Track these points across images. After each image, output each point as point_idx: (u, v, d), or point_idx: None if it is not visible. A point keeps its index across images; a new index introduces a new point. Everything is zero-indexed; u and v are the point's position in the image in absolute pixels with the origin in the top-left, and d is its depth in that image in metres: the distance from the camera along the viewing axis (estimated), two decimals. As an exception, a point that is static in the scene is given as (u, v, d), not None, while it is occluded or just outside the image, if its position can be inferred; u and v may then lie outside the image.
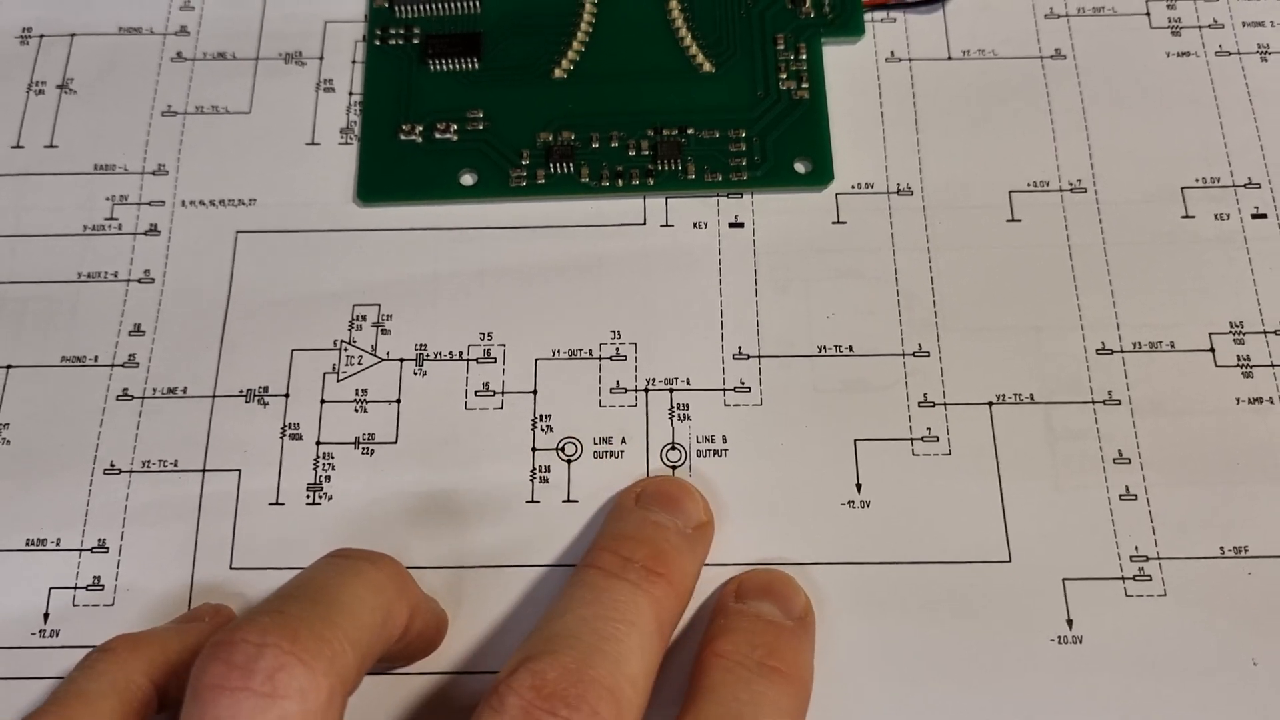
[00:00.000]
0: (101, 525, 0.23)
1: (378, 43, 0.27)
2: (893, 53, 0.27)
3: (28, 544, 0.23)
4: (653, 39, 0.27)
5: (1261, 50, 0.27)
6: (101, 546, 0.23)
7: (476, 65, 0.27)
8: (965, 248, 0.25)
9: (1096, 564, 0.22)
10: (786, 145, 0.26)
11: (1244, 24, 0.27)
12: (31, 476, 0.24)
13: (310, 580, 0.19)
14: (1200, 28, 0.27)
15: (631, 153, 0.26)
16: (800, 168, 0.26)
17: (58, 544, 0.23)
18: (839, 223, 0.26)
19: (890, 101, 0.27)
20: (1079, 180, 0.26)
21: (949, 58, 0.27)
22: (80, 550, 0.23)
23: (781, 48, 0.27)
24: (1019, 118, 0.26)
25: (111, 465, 0.24)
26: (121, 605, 0.23)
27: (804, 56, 0.27)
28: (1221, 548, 0.23)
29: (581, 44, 0.27)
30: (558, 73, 0.27)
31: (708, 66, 0.27)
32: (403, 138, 0.26)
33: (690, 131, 0.26)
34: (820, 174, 0.26)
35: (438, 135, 0.26)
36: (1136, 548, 0.23)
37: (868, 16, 0.27)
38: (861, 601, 0.22)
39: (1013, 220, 0.26)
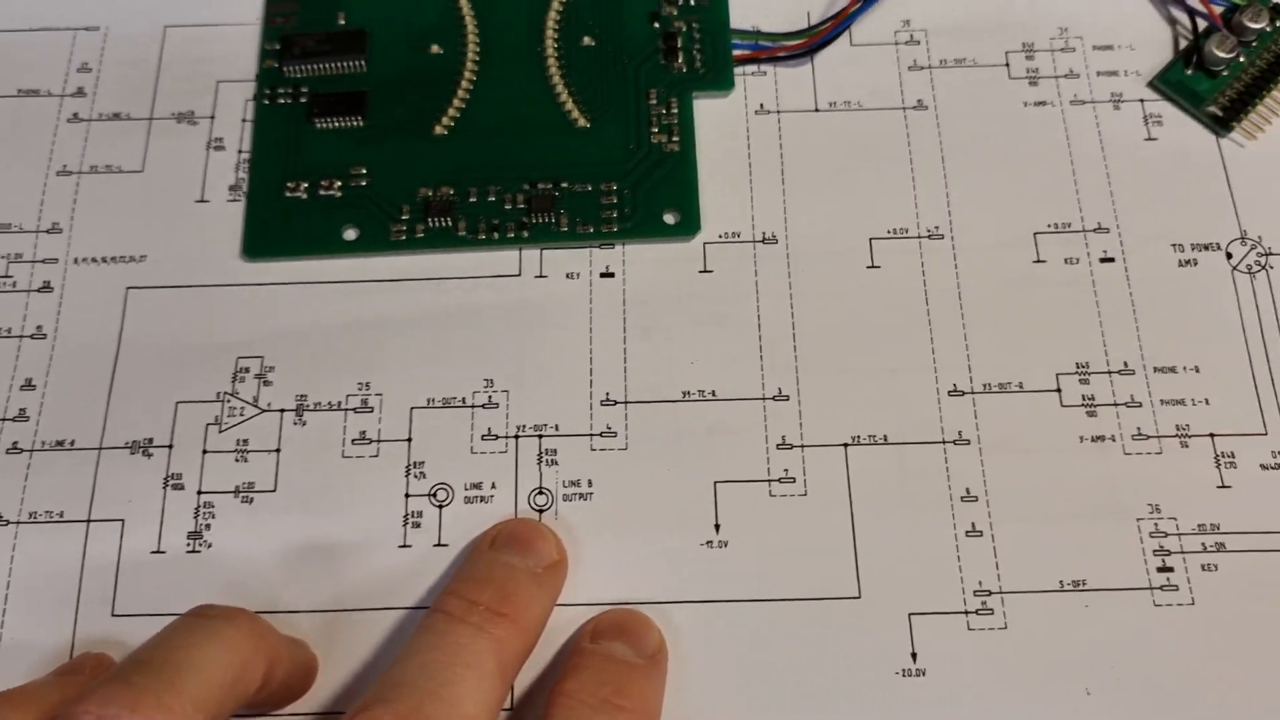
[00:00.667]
0: (-12, 575, 0.24)
1: (266, 101, 0.28)
2: (762, 105, 0.29)
3: (-85, 595, 0.24)
4: (531, 95, 0.28)
5: (1115, 99, 0.28)
6: (-13, 596, 0.24)
7: (361, 123, 0.28)
8: (826, 294, 0.27)
9: (941, 599, 0.24)
10: (656, 197, 0.27)
11: (1098, 73, 0.29)
12: (-80, 529, 0.25)
13: (161, 644, 0.20)
14: (1057, 78, 0.29)
15: (507, 206, 0.27)
16: (669, 219, 0.27)
17: (-55, 595, 0.24)
18: (706, 271, 0.27)
19: (758, 152, 0.28)
20: (937, 227, 0.27)
21: (816, 109, 0.28)
22: (-33, 600, 0.24)
23: (654, 102, 0.28)
24: (881, 167, 0.28)
25: (0, 517, 0.25)
26: (4, 656, 0.24)
27: (675, 110, 0.28)
28: (1061, 582, 0.24)
29: (462, 101, 0.28)
30: (438, 129, 0.28)
31: (583, 121, 0.28)
32: (288, 194, 0.27)
33: (564, 185, 0.27)
34: (688, 224, 0.27)
35: (322, 192, 0.27)
36: (980, 582, 0.24)
37: (738, 70, 0.29)
38: (718, 639, 0.23)
39: (873, 266, 0.27)
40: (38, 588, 0.24)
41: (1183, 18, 0.29)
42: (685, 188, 0.27)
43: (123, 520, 0.25)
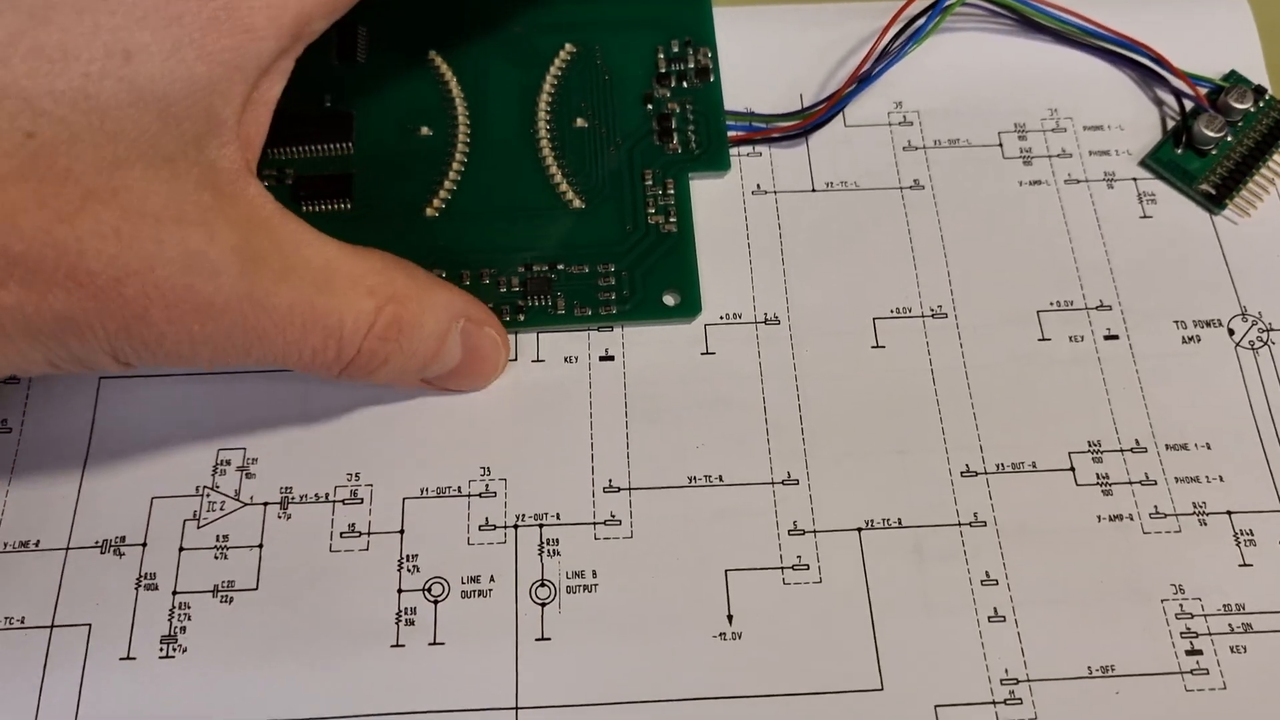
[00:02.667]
0: (-59, 688, 0.23)
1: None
2: (759, 185, 0.29)
3: None
4: (523, 176, 0.28)
5: (1108, 177, 0.29)
6: (-60, 711, 0.23)
7: (349, 206, 0.28)
8: (832, 375, 0.27)
9: (968, 689, 0.23)
10: (655, 278, 0.27)
11: (1090, 152, 0.30)
12: None
13: None
14: (1050, 157, 0.30)
15: (503, 289, 0.27)
16: (669, 300, 0.27)
17: (-108, 710, 0.23)
18: (708, 353, 0.27)
19: (756, 232, 0.28)
20: (940, 306, 0.28)
21: (813, 189, 0.29)
22: (-83, 716, 0.23)
23: (650, 183, 0.28)
24: (881, 246, 0.28)
25: (-46, 624, 0.24)
26: (-42, 774, 0.22)
27: (672, 191, 0.28)
28: (1089, 667, 0.24)
29: (454, 183, 0.28)
30: (430, 211, 0.28)
31: (577, 202, 0.28)
32: None
33: (560, 267, 0.27)
34: (689, 306, 0.27)
35: None
36: (1006, 670, 0.24)
37: (734, 150, 0.29)
38: (735, 737, 0.23)
39: (877, 346, 0.27)
40: (-4, 698, 0.23)
41: (1169, 99, 0.30)
42: (685, 268, 0.27)
43: (90, 624, 0.24)
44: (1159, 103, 0.30)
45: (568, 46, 0.30)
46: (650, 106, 0.29)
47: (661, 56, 0.30)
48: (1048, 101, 0.30)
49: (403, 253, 0.25)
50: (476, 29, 0.30)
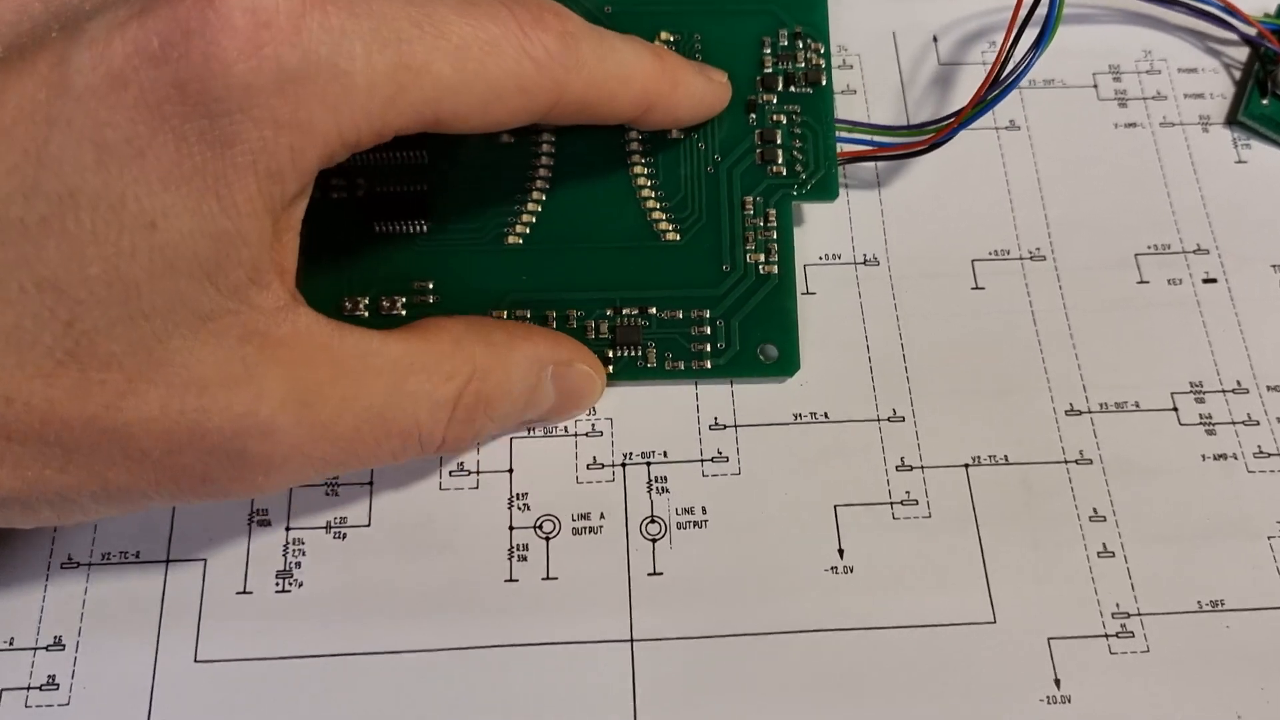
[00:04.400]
0: (58, 622, 0.24)
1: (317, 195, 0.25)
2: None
3: (-21, 645, 0.23)
4: (613, 200, 0.27)
5: (1203, 121, 0.30)
6: (58, 644, 0.24)
7: (425, 229, 0.26)
8: (933, 315, 0.27)
9: (1079, 623, 0.24)
10: (752, 328, 0.26)
11: (1185, 95, 0.30)
12: (-17, 573, 0.24)
13: None
14: (1145, 99, 0.30)
15: (590, 335, 0.26)
16: (765, 355, 0.26)
17: (10, 644, 0.24)
18: (809, 293, 0.27)
19: (853, 170, 0.29)
20: (1038, 248, 0.28)
21: (908, 125, 0.29)
22: (35, 649, 0.23)
23: (750, 212, 0.27)
24: (978, 188, 0.29)
25: (69, 559, 0.24)
26: (77, 705, 0.23)
27: (773, 224, 0.27)
28: (1199, 602, 0.24)
29: (537, 203, 0.27)
30: (512, 239, 0.26)
31: (671, 233, 0.26)
32: (345, 314, 0.26)
33: (652, 311, 0.26)
34: (786, 363, 0.26)
35: (383, 313, 0.26)
36: (1118, 604, 0.24)
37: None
38: (848, 669, 0.24)
39: (977, 288, 0.28)
40: (112, 632, 0.24)
41: (1238, 50, 0.31)
42: (784, 319, 0.26)
43: (205, 560, 0.24)
44: (1219, 54, 0.31)
45: (663, 34, 0.28)
46: (753, 116, 0.27)
47: (768, 52, 0.28)
48: (1142, 44, 0.31)
49: (483, 284, 0.25)
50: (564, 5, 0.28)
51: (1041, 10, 0.27)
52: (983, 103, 0.27)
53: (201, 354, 0.19)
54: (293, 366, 0.20)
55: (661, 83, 0.24)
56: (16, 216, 0.18)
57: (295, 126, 0.19)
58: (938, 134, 0.27)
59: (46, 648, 0.23)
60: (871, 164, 0.29)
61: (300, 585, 0.24)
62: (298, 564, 0.24)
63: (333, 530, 0.25)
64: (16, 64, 0.18)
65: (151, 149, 0.18)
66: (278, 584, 0.24)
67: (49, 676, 0.23)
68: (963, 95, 0.29)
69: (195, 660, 0.23)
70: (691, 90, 0.25)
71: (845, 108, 0.30)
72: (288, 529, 0.25)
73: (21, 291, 0.18)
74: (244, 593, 0.24)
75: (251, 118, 0.18)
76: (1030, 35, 0.27)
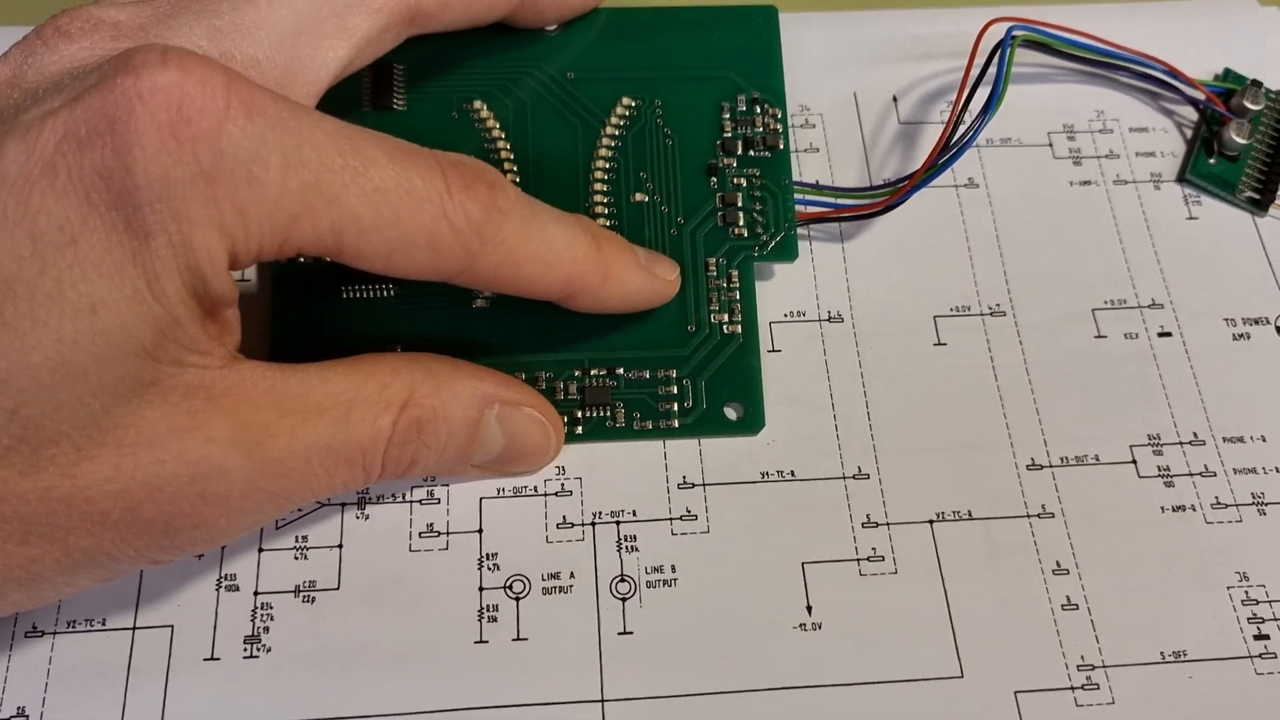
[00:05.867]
0: (21, 692, 0.23)
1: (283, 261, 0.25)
2: (818, 181, 0.30)
3: (-60, 716, 0.23)
4: None
5: (1155, 179, 0.31)
6: (21, 715, 0.23)
7: (393, 292, 0.27)
8: (896, 372, 0.28)
9: (1046, 675, 0.24)
10: (717, 388, 0.27)
11: (1137, 154, 0.31)
12: (-55, 643, 0.24)
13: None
14: (1099, 158, 0.31)
15: (560, 396, 0.26)
16: (731, 414, 0.27)
17: (-28, 715, 0.23)
18: (774, 350, 0.28)
19: (817, 229, 0.29)
20: (998, 304, 0.29)
21: (870, 186, 0.30)
22: (-2, 720, 0.23)
23: (713, 273, 0.27)
24: (939, 245, 0.29)
25: (34, 628, 0.24)
26: (43, 778, 0.23)
27: (736, 284, 0.27)
28: (1162, 653, 0.25)
29: None
30: (479, 301, 0.27)
31: None
32: None
33: (620, 371, 0.26)
34: (751, 421, 0.27)
35: None
36: (1083, 657, 0.25)
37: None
38: (820, 727, 0.24)
39: (939, 344, 0.28)
40: (77, 701, 0.23)
41: (1183, 109, 0.32)
42: (748, 378, 0.27)
43: (172, 626, 0.24)
44: (1170, 113, 0.32)
45: (625, 100, 0.29)
46: (714, 180, 0.28)
47: (727, 117, 0.28)
48: (1094, 103, 0.32)
49: (451, 349, 0.25)
50: (524, 73, 0.29)
51: (993, 71, 0.28)
52: (935, 166, 0.28)
53: (148, 415, 0.20)
54: (238, 411, 0.21)
55: (591, 274, 0.24)
56: None
57: (206, 224, 0.19)
58: (893, 196, 0.28)
59: (10, 718, 0.23)
60: (835, 226, 0.30)
61: (268, 650, 0.24)
62: (265, 628, 0.24)
63: (301, 593, 0.25)
64: None
65: (83, 236, 0.18)
66: (245, 649, 0.24)
67: (12, 748, 0.23)
68: (923, 153, 0.30)
69: (162, 729, 0.23)
70: (625, 284, 0.25)
71: (809, 166, 0.30)
72: (256, 593, 0.25)
73: None
74: (212, 659, 0.24)
75: (170, 210, 0.19)
76: (984, 94, 0.28)
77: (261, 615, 0.24)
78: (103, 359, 0.19)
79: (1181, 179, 0.31)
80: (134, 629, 0.24)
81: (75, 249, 0.18)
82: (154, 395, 0.20)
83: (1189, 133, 0.32)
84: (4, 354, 0.18)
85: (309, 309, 0.27)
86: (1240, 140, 0.31)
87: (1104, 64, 0.31)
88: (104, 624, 0.24)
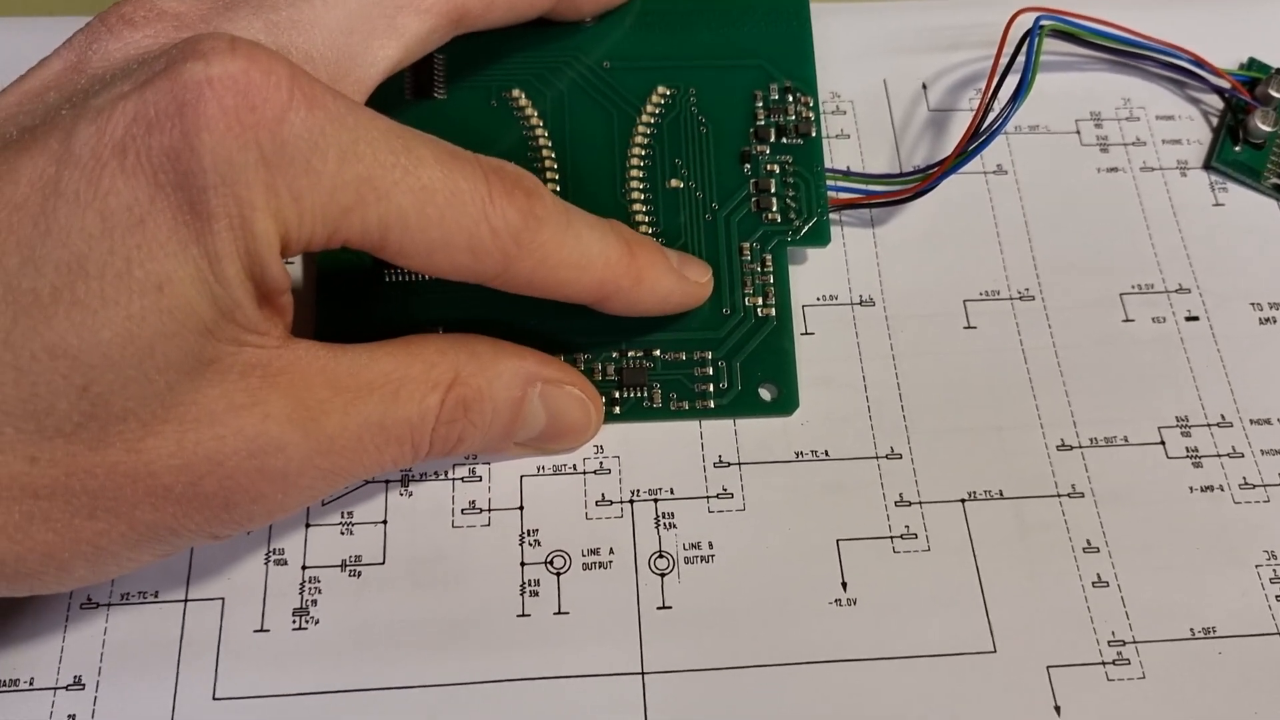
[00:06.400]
0: (77, 662, 0.24)
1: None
2: (849, 167, 0.30)
3: (-1, 685, 0.24)
4: None
5: (1181, 166, 0.31)
6: (78, 684, 0.24)
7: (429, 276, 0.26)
8: (927, 354, 0.28)
9: (1077, 651, 0.25)
10: (752, 369, 0.27)
11: (1163, 141, 0.31)
12: (2, 616, 0.24)
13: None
14: (1125, 145, 0.31)
15: (598, 377, 0.27)
16: (765, 394, 0.27)
17: (31, 684, 0.24)
18: (807, 334, 0.28)
19: (849, 214, 0.30)
20: (1027, 289, 0.29)
21: (900, 172, 0.30)
22: (55, 689, 0.24)
23: (747, 258, 0.28)
24: (968, 230, 0.30)
25: (89, 600, 0.25)
26: (99, 742, 0.23)
27: (770, 269, 0.28)
28: (1191, 629, 0.25)
29: None
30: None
31: None
32: None
33: (657, 353, 0.27)
34: (786, 402, 0.27)
35: None
36: (1113, 633, 0.25)
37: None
38: (853, 699, 0.24)
39: (969, 327, 0.29)
40: (132, 671, 0.24)
41: (1210, 97, 0.32)
42: (782, 359, 0.27)
43: (223, 599, 0.25)
44: (1196, 101, 0.32)
45: (660, 89, 0.29)
46: (748, 167, 0.28)
47: (760, 105, 0.29)
48: (1120, 91, 0.32)
49: (492, 330, 0.26)
50: (562, 63, 0.29)
51: (1021, 59, 0.28)
52: (965, 153, 0.28)
53: (208, 392, 0.20)
54: (293, 389, 0.21)
55: (624, 278, 0.24)
56: (29, 287, 0.19)
57: (265, 209, 0.19)
58: (923, 182, 0.29)
59: (66, 687, 0.24)
60: (866, 211, 0.30)
61: (316, 623, 0.25)
62: (314, 601, 0.25)
63: (348, 568, 0.25)
64: (29, 143, 0.19)
65: (151, 216, 0.19)
66: (294, 622, 0.25)
67: (69, 716, 0.24)
68: (952, 140, 0.30)
69: (214, 698, 0.24)
70: (657, 289, 0.25)
71: (840, 153, 0.31)
72: (304, 567, 0.25)
73: (34, 360, 0.19)
74: (261, 630, 0.25)
75: (233, 194, 0.19)
76: (1012, 83, 0.28)
77: (309, 589, 0.25)
78: (168, 336, 0.19)
79: (1207, 166, 0.31)
80: (186, 601, 0.25)
81: (143, 229, 0.19)
82: (214, 373, 0.20)
83: (1215, 121, 0.32)
84: (76, 331, 0.19)
85: (354, 291, 0.27)
86: (1265, 128, 0.31)
87: (1130, 53, 0.32)
88: (157, 596, 0.25)
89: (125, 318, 0.19)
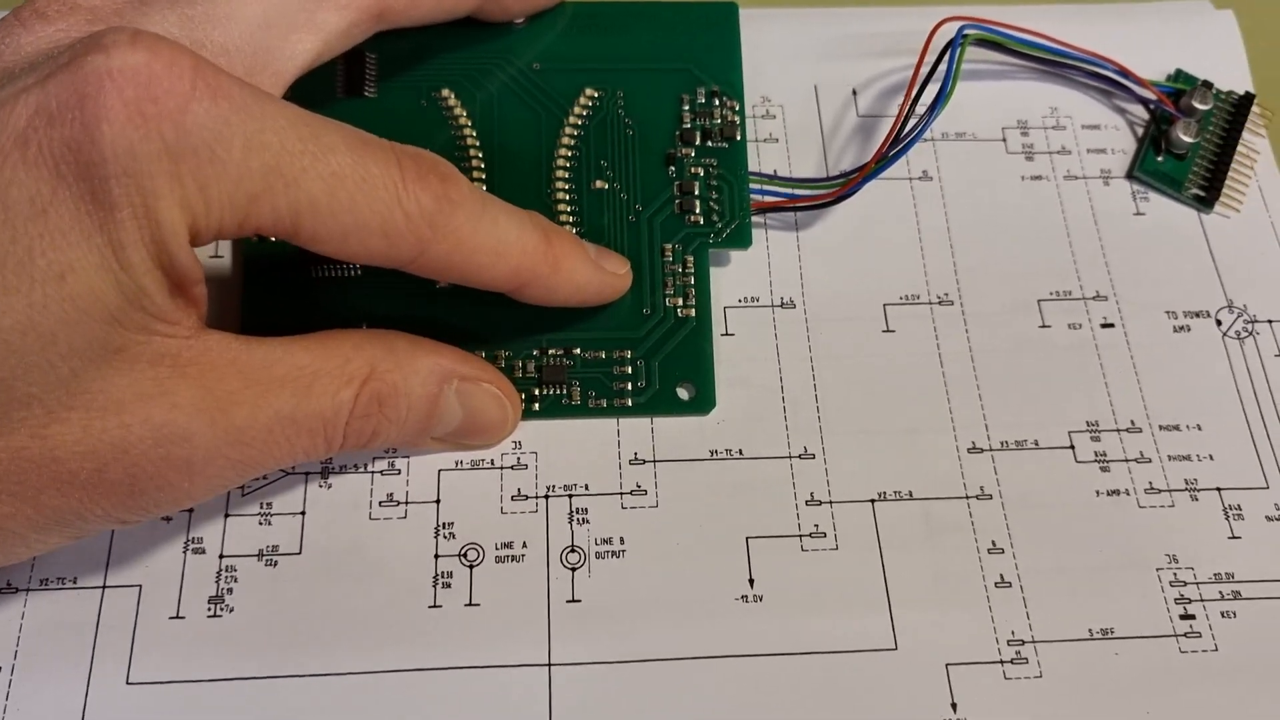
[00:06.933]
0: (-6, 645, 0.24)
1: (255, 239, 0.27)
2: (775, 171, 0.31)
3: (-84, 667, 0.24)
4: None
5: (1104, 175, 0.32)
6: (-7, 667, 0.24)
7: (359, 271, 0.27)
8: (845, 357, 0.29)
9: (977, 649, 0.25)
10: (670, 369, 0.27)
11: (1088, 150, 0.32)
12: (-78, 598, 0.25)
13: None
14: (1050, 153, 0.32)
15: (518, 374, 0.27)
16: (683, 394, 0.27)
17: (-53, 666, 0.24)
18: (728, 334, 0.29)
19: (772, 217, 0.30)
20: (946, 294, 0.30)
21: (827, 176, 0.31)
22: (-29, 672, 0.24)
23: (669, 259, 0.28)
24: (891, 235, 0.30)
25: (8, 584, 0.25)
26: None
27: (691, 270, 0.28)
28: (1090, 630, 0.26)
29: None
30: (442, 282, 0.27)
31: None
32: None
33: (576, 351, 0.27)
34: (703, 401, 0.27)
35: None
36: (1013, 632, 0.25)
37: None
38: (756, 693, 0.25)
39: (887, 330, 0.29)
40: (47, 654, 0.24)
41: (1135, 107, 0.33)
42: (700, 360, 0.28)
43: (140, 586, 0.25)
44: (1123, 111, 0.33)
45: (588, 91, 0.29)
46: (672, 169, 0.29)
47: (686, 109, 0.29)
48: (1049, 100, 0.32)
49: (415, 327, 0.26)
50: (492, 65, 0.29)
51: (943, 68, 0.29)
52: (885, 158, 0.28)
53: (115, 380, 0.21)
54: (203, 380, 0.22)
55: (540, 265, 0.25)
56: None
57: (169, 198, 0.20)
58: (844, 187, 0.29)
59: (-17, 670, 0.24)
60: (791, 215, 0.30)
61: (232, 611, 0.25)
62: (229, 590, 0.25)
63: (265, 558, 0.26)
64: None
65: (53, 206, 0.19)
66: (210, 609, 0.25)
67: (-16, 698, 0.24)
68: (879, 146, 0.31)
69: (128, 682, 0.24)
70: (574, 278, 0.25)
71: (768, 156, 0.31)
72: (221, 556, 0.26)
73: None
74: (177, 617, 0.25)
75: (135, 183, 0.19)
76: (935, 90, 0.29)
77: (226, 577, 0.25)
78: (71, 324, 0.20)
79: (1130, 175, 0.32)
80: (104, 588, 0.25)
81: (45, 219, 0.19)
82: (121, 361, 0.21)
83: (1139, 131, 0.32)
84: None
85: (280, 286, 0.28)
86: (1187, 139, 0.31)
87: (1058, 63, 0.32)
88: (75, 582, 0.25)
89: (27, 305, 0.19)
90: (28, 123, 0.19)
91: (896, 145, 0.28)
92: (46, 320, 0.19)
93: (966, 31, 0.29)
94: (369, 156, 0.22)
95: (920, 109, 0.29)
